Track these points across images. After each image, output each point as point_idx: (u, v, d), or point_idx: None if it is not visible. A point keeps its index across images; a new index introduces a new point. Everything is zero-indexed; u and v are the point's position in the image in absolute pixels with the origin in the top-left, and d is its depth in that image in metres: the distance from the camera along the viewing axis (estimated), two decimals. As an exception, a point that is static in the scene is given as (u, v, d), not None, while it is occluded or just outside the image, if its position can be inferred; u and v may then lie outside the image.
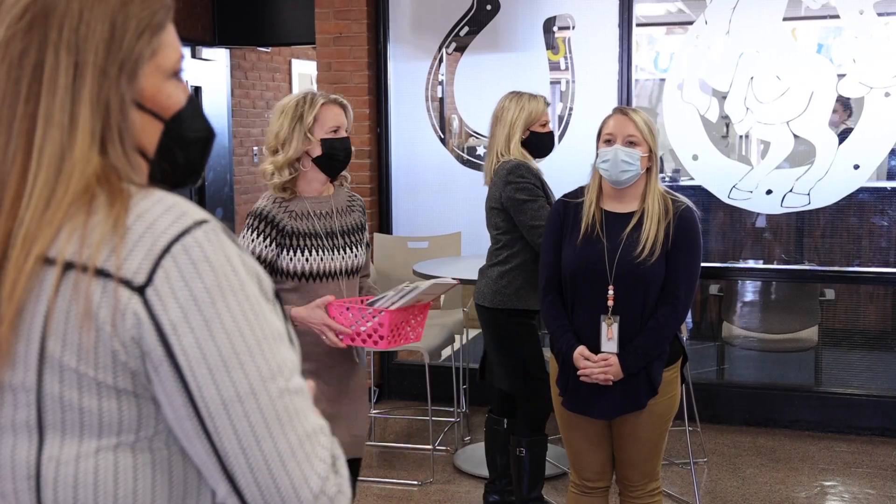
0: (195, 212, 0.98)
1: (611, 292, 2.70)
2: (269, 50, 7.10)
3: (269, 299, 1.01)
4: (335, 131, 2.70)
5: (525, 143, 3.55)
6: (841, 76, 4.71)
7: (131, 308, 0.92)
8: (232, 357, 0.94)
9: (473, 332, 5.93)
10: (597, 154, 2.79)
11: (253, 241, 2.64)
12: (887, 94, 4.63)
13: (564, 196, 2.89)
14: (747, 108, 4.79)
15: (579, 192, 2.86)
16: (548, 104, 3.65)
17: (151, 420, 0.97)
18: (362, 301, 2.72)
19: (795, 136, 4.78)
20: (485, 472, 4.32)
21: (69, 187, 0.94)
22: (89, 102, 0.96)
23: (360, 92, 5.32)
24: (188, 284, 0.93)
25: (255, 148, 7.05)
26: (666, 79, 5.14)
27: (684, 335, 3.95)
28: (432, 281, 2.76)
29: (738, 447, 4.63)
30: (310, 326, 2.60)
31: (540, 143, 3.61)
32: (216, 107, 6.45)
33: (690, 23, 4.97)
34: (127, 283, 0.92)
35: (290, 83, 7.52)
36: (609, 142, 2.74)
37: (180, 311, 0.93)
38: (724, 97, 4.83)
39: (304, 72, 7.59)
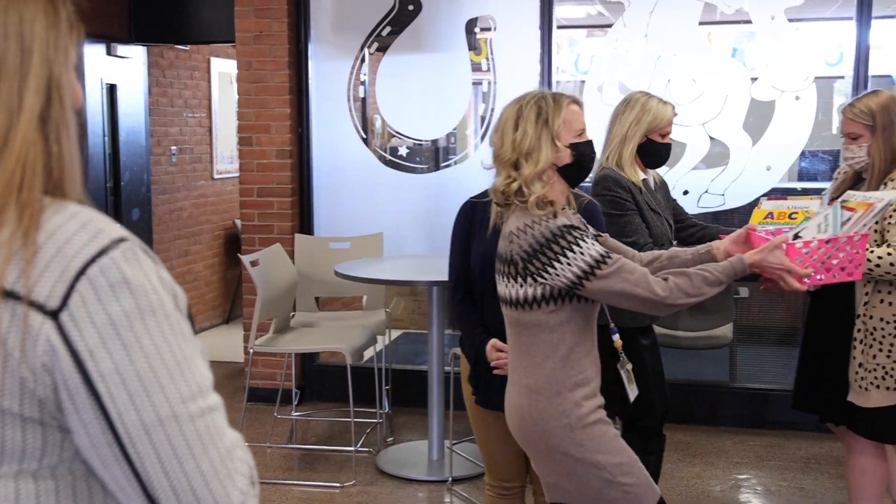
0: (112, 229, 0.94)
1: None
2: (187, 48, 6.97)
3: (184, 315, 0.99)
4: (580, 135, 2.40)
5: (638, 150, 3.20)
6: (754, 80, 4.84)
7: (44, 334, 0.89)
8: (152, 381, 0.91)
9: (396, 333, 5.92)
10: None
11: (592, 245, 2.25)
12: (798, 98, 4.76)
13: (472, 198, 2.89)
14: (665, 111, 4.86)
15: (487, 192, 2.87)
16: (675, 114, 3.30)
17: (56, 448, 0.94)
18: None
19: (711, 138, 4.89)
20: (406, 473, 4.32)
21: (4, 171, 0.92)
22: (35, 89, 0.95)
23: (280, 91, 5.26)
24: (106, 308, 0.90)
25: (174, 148, 6.91)
26: (586, 81, 5.22)
27: None
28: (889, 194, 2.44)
29: (656, 443, 4.71)
30: (769, 270, 2.34)
31: (655, 153, 3.24)
32: (133, 105, 6.31)
33: (610, 26, 5.05)
34: (39, 308, 0.89)
35: (210, 82, 7.40)
36: None
37: (98, 336, 0.89)
38: (642, 99, 4.91)
39: (223, 70, 7.48)
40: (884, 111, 2.97)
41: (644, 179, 3.25)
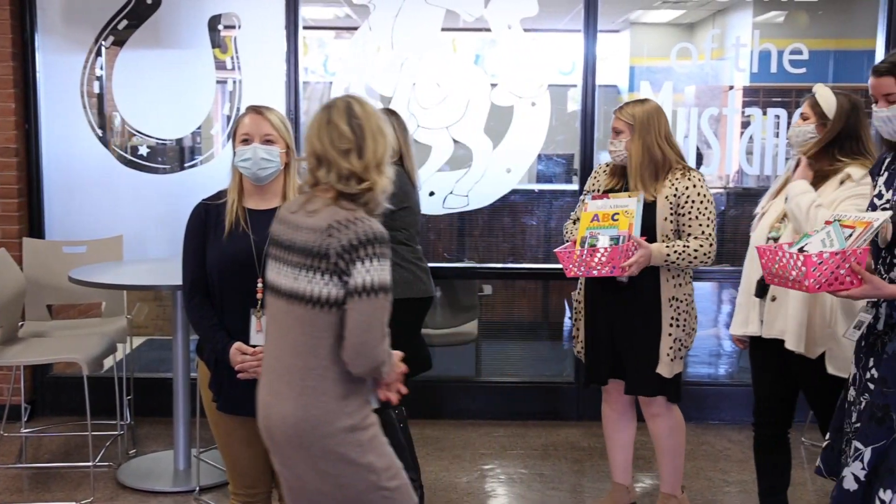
0: None
1: (259, 285, 2.69)
2: None
3: None
4: None
5: None
6: (494, 85, 5.05)
7: None
8: None
9: (139, 340, 5.65)
10: (234, 153, 2.78)
11: (388, 270, 2.21)
12: (534, 104, 5.02)
13: (205, 199, 2.84)
14: (411, 113, 4.98)
15: (220, 194, 2.83)
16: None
17: None
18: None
19: (455, 141, 5.05)
20: (150, 486, 4.15)
21: None
22: None
23: (3, 85, 4.88)
24: None
25: None
26: (333, 82, 5.23)
27: None
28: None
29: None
30: None
31: None
32: None
33: (357, 28, 5.08)
34: None
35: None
36: (246, 141, 2.75)
37: None
38: (389, 102, 4.99)
39: (-61, 60, 6.83)
40: (644, 115, 3.50)
41: None
